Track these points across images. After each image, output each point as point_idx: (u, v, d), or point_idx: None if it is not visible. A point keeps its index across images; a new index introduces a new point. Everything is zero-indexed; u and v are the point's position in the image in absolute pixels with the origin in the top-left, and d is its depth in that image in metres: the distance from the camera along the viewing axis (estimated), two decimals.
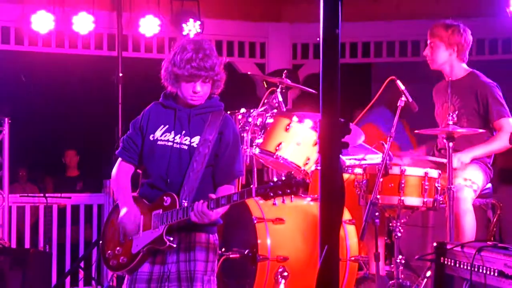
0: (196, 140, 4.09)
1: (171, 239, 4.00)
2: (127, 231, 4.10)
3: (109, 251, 4.21)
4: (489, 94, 5.96)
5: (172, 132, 4.13)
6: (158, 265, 4.10)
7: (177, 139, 4.11)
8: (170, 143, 4.11)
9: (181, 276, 4.06)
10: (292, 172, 3.75)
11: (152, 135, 4.15)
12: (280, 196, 3.79)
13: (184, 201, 4.00)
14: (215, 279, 4.17)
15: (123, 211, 4.11)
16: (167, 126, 4.15)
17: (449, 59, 6.08)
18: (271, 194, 3.76)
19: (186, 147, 4.09)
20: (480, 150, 5.91)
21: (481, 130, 5.82)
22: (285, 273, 5.31)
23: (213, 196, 3.94)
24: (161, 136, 4.14)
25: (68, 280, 8.52)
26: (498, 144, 5.94)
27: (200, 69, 4.05)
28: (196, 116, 4.15)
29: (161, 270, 4.09)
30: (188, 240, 4.08)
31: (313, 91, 6.51)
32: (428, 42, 6.13)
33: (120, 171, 4.24)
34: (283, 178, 3.73)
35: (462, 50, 6.07)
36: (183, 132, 4.12)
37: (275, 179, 3.77)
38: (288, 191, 3.72)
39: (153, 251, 4.07)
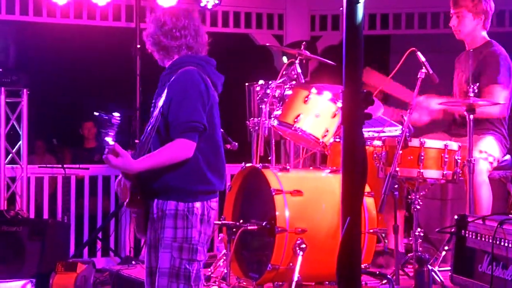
0: (160, 103, 4.14)
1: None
2: None
3: None
4: (493, 61, 5.88)
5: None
6: (151, 231, 4.20)
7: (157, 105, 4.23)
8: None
9: (158, 243, 4.15)
10: None
11: None
12: None
13: None
14: (199, 248, 4.12)
15: None
16: None
17: (475, 28, 6.03)
18: None
19: (156, 111, 4.16)
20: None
21: (501, 102, 5.77)
22: (303, 245, 5.30)
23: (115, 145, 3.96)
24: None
25: (86, 250, 8.57)
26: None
27: None
28: (163, 79, 4.23)
29: (150, 237, 4.21)
30: (162, 208, 4.12)
31: (332, 63, 6.48)
32: (453, 12, 6.04)
33: None
34: None
35: (487, 18, 6.03)
36: (154, 96, 4.27)
37: None
38: None
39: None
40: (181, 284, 4.06)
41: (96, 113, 4.07)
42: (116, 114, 4.00)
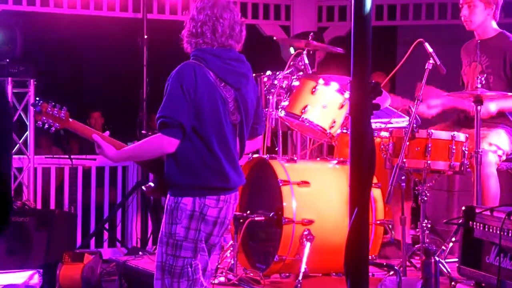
0: None
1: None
2: None
3: None
4: None
5: None
6: None
7: None
8: None
9: None
10: None
11: None
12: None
13: None
14: (185, 245, 4.00)
15: None
16: None
17: (486, 19, 5.98)
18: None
19: None
20: (507, 103, 5.84)
21: (510, 94, 5.75)
22: (310, 236, 5.31)
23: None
24: None
25: (92, 241, 8.58)
26: None
27: None
28: None
29: None
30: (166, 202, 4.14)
31: (340, 50, 6.46)
32: (463, 1, 5.98)
33: None
34: None
35: (498, 8, 5.98)
36: None
37: None
38: None
39: None
40: (167, 279, 4.03)
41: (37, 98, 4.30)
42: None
